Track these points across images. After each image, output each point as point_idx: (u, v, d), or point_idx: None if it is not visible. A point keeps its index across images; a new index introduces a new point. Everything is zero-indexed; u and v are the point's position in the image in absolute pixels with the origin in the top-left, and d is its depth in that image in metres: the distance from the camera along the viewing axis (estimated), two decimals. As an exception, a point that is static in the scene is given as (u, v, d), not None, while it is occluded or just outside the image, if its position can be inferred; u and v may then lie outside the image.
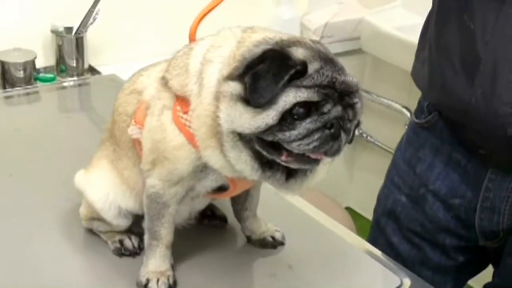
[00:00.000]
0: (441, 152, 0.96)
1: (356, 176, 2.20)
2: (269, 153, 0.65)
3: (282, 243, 0.85)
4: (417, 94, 1.02)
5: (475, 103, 0.82)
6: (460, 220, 0.95)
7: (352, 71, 0.67)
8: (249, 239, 0.86)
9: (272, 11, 1.79)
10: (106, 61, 1.55)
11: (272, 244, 0.85)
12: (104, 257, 0.82)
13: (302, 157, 0.65)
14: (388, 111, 1.93)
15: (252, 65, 0.64)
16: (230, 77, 0.65)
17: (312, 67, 0.64)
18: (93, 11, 1.44)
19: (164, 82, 0.71)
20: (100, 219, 0.81)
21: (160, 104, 0.71)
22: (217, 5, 0.83)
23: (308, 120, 0.63)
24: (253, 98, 0.63)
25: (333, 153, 0.66)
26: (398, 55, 1.73)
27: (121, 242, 0.82)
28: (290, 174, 0.68)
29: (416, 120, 1.01)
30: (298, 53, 0.64)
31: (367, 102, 2.15)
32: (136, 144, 0.75)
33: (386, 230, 1.04)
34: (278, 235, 0.85)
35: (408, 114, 1.83)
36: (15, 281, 0.78)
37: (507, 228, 0.90)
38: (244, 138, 0.65)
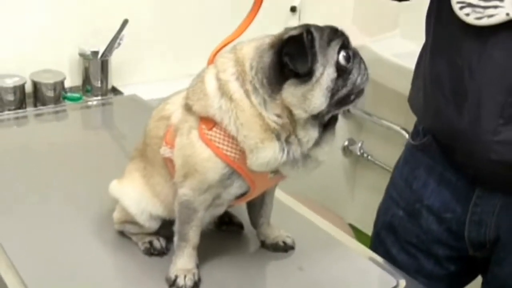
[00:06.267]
0: (434, 171, 1.03)
1: (357, 194, 2.27)
2: (343, 103, 0.76)
3: (292, 248, 0.93)
4: (413, 116, 1.09)
5: (463, 130, 0.89)
6: (452, 232, 1.02)
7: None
8: (263, 244, 0.93)
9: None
10: (128, 82, 1.64)
11: (284, 248, 0.92)
12: (135, 256, 0.89)
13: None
14: (388, 132, 2.01)
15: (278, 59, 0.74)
16: (276, 82, 0.74)
17: (313, 30, 0.74)
18: (118, 37, 1.54)
19: (188, 107, 0.81)
20: (132, 222, 0.90)
21: (187, 126, 0.80)
22: (237, 37, 0.91)
23: (351, 58, 0.75)
24: (299, 67, 0.72)
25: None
26: (396, 80, 1.80)
27: (150, 243, 0.90)
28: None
29: (412, 142, 1.09)
30: (294, 32, 0.75)
31: (368, 124, 2.24)
32: (167, 162, 0.84)
33: (386, 242, 1.12)
34: (289, 240, 0.93)
35: (406, 135, 1.89)
36: (54, 279, 0.85)
37: (493, 239, 0.98)
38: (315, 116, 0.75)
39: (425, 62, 1.00)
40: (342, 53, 0.74)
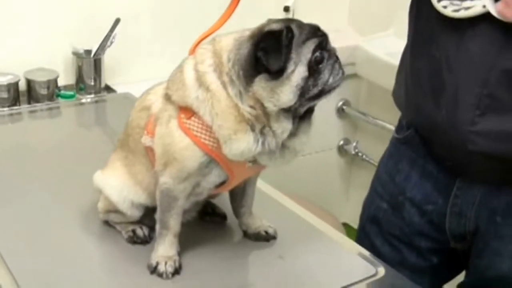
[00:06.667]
0: (416, 164, 1.05)
1: (352, 193, 2.28)
2: (315, 98, 0.77)
3: (274, 237, 0.95)
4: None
5: (441, 122, 0.91)
6: (433, 224, 1.04)
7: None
8: (245, 233, 0.96)
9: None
10: (121, 81, 1.67)
11: (265, 237, 0.94)
12: (119, 244, 0.92)
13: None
14: (383, 131, 2.01)
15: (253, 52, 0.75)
16: (250, 74, 0.76)
17: (294, 27, 0.76)
18: (110, 36, 1.57)
19: (168, 97, 0.83)
20: (116, 211, 0.92)
21: (167, 115, 0.83)
22: (218, 28, 0.91)
23: (325, 59, 0.77)
24: (271, 64, 0.74)
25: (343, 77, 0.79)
26: (390, 80, 1.80)
27: (133, 231, 0.93)
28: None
29: (397, 136, 1.12)
30: (275, 26, 0.77)
31: (363, 124, 2.27)
32: (148, 151, 0.87)
33: (370, 234, 1.14)
34: (270, 230, 0.95)
35: (400, 134, 1.91)
36: (43, 265, 0.88)
37: (473, 230, 1.00)
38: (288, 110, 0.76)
39: (406, 57, 1.02)
40: (316, 53, 0.76)
